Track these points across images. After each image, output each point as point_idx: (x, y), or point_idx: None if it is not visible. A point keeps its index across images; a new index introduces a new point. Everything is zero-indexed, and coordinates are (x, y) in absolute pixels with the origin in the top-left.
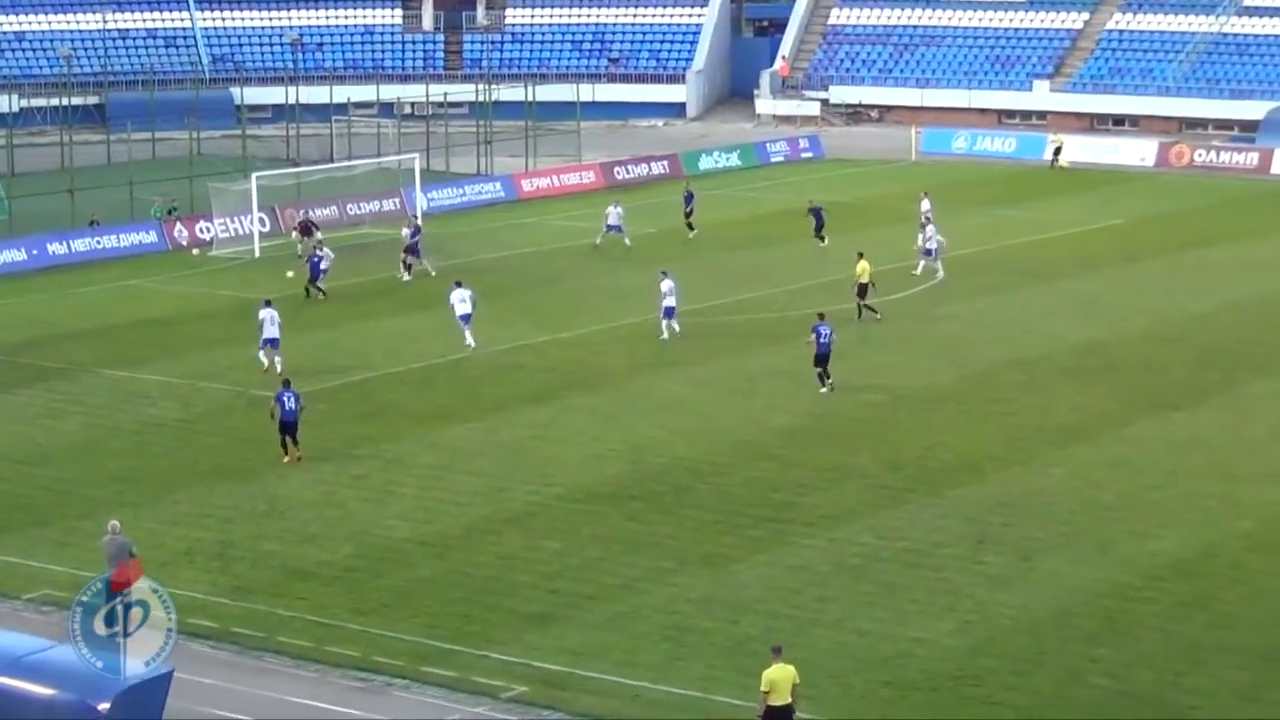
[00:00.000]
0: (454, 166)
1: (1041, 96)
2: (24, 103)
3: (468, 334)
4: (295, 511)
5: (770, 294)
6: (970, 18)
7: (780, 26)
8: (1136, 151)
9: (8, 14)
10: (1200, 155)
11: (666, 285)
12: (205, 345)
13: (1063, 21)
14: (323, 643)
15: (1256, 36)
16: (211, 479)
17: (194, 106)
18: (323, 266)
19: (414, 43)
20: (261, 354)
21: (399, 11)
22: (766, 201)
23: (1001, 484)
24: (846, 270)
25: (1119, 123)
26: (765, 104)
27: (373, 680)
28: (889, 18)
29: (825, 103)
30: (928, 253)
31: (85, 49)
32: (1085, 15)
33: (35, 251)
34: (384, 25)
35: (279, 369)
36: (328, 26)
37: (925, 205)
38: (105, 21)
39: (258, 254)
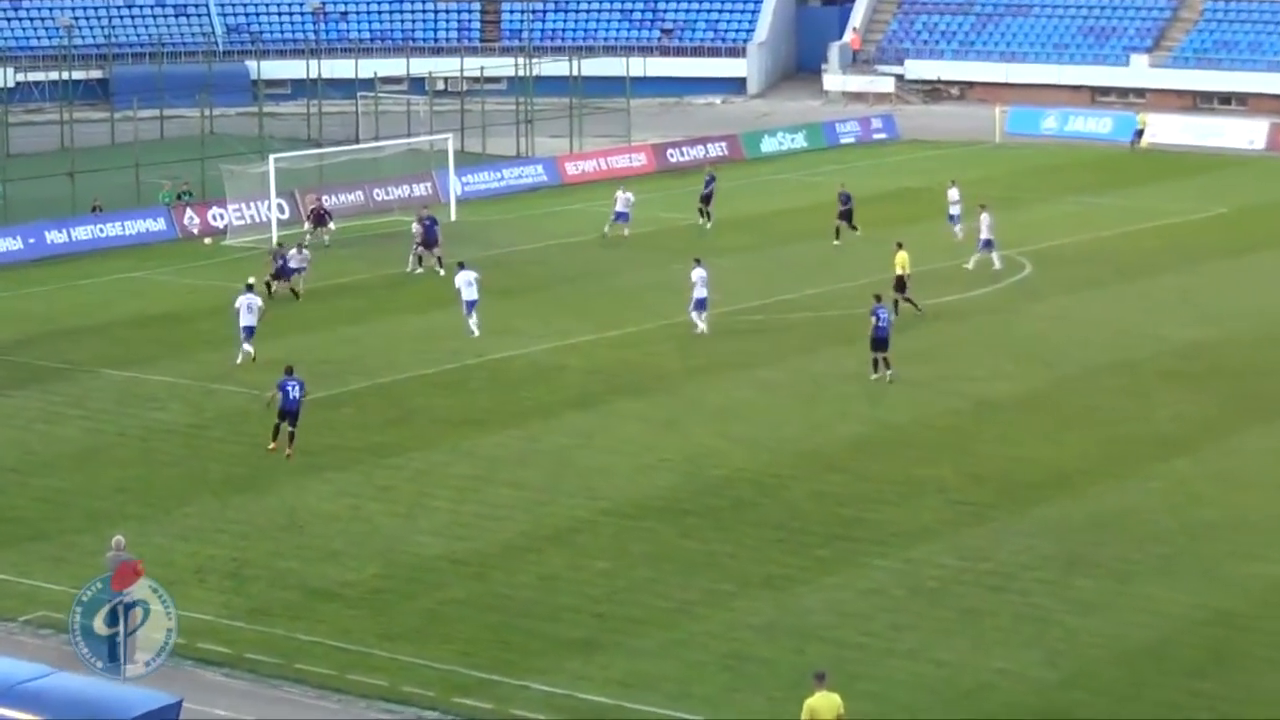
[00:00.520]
0: (491, 148)
1: (1139, 72)
2: (20, 77)
3: (472, 322)
4: (316, 526)
5: (838, 289)
6: None
7: None
8: (1244, 133)
9: None
10: None
11: (698, 274)
12: (217, 344)
13: None
14: (346, 671)
15: None
16: (224, 490)
17: (206, 81)
18: (292, 265)
19: (447, 12)
20: (247, 345)
21: None
22: (835, 188)
23: (1094, 500)
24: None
25: (1225, 101)
26: (834, 80)
27: (401, 712)
28: None
29: (900, 78)
30: (986, 244)
31: (87, 18)
32: None
33: (32, 240)
34: None
35: (252, 358)
36: None
37: (954, 195)
38: None
39: (275, 243)
